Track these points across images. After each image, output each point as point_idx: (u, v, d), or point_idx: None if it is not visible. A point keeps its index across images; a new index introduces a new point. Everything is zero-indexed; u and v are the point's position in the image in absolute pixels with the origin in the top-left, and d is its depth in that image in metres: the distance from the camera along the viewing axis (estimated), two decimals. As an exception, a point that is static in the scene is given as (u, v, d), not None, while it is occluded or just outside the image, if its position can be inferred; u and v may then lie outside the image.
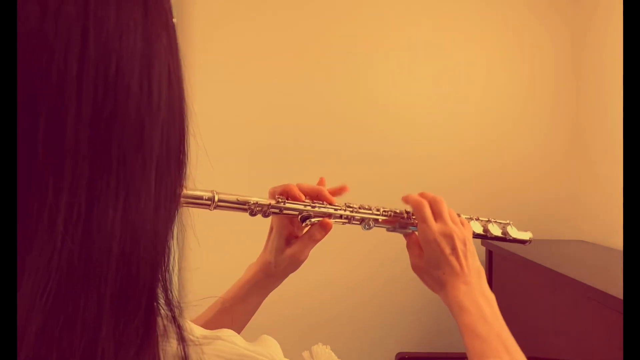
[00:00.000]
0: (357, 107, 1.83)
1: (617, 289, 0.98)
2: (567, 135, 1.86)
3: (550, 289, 1.23)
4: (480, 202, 1.84)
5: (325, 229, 0.67)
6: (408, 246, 0.71)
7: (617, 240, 1.56)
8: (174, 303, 0.35)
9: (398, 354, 1.47)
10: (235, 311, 0.68)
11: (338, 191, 0.71)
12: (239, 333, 0.70)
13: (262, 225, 0.72)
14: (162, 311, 0.34)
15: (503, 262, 1.52)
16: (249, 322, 0.71)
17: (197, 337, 0.36)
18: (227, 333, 0.39)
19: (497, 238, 0.76)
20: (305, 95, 1.83)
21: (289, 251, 0.67)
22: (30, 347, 0.27)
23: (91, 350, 0.28)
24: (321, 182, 0.71)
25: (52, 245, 0.27)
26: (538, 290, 1.30)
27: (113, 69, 0.28)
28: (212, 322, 0.67)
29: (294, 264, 0.68)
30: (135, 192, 0.30)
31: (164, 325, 0.34)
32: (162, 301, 0.34)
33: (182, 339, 0.34)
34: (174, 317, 0.34)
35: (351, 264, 1.81)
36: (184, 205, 0.56)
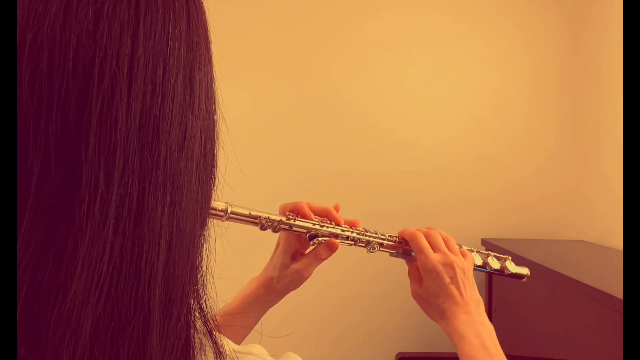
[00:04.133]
0: (357, 113, 1.84)
1: (617, 289, 0.98)
2: (567, 136, 1.86)
3: (550, 289, 1.23)
4: (480, 202, 1.84)
5: (331, 248, 0.68)
6: (409, 273, 0.72)
7: (617, 240, 1.56)
8: (208, 316, 0.35)
9: (398, 354, 1.47)
10: (235, 324, 0.69)
11: (350, 223, 0.71)
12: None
13: (265, 239, 0.73)
14: (197, 325, 0.35)
15: (503, 262, 1.52)
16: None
17: (230, 352, 0.37)
18: (258, 349, 0.40)
19: (496, 272, 0.78)
20: (304, 98, 1.83)
21: (294, 267, 0.69)
22: (86, 345, 0.27)
23: (139, 356, 0.29)
24: (336, 207, 0.71)
25: (105, 238, 0.28)
26: (538, 290, 1.30)
27: (160, 70, 0.30)
28: None
29: (297, 280, 0.69)
30: (179, 190, 0.31)
31: (200, 340, 0.34)
32: (196, 314, 0.35)
33: (219, 353, 0.35)
34: (210, 331, 0.35)
35: (351, 263, 1.81)
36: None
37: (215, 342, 0.35)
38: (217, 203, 0.58)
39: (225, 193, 0.59)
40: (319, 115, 1.83)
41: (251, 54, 1.80)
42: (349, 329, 1.83)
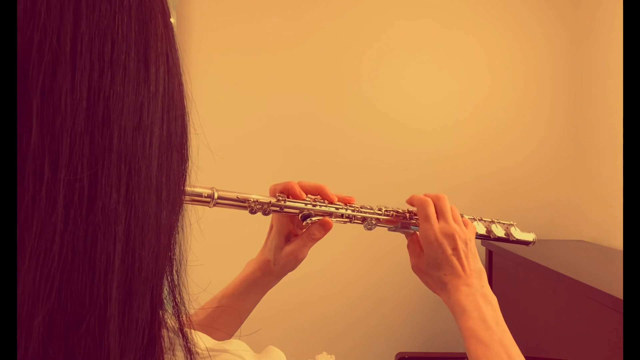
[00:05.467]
0: (355, 110, 1.83)
1: (617, 289, 0.98)
2: (567, 136, 1.86)
3: (550, 289, 1.23)
4: (480, 203, 1.84)
5: (325, 228, 0.66)
6: (409, 246, 0.71)
7: (617, 240, 1.56)
8: (181, 309, 0.34)
9: (398, 354, 1.47)
10: (233, 309, 0.68)
11: (343, 200, 0.69)
12: (236, 330, 0.69)
13: (263, 222, 0.72)
14: (167, 323, 0.33)
15: (503, 262, 1.52)
16: (250, 325, 0.71)
17: (203, 350, 0.35)
18: (235, 345, 0.38)
19: (500, 239, 0.75)
20: (303, 97, 1.83)
21: (288, 249, 0.67)
22: (38, 342, 0.26)
23: (96, 353, 0.27)
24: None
25: (53, 227, 0.26)
26: (538, 290, 1.30)
27: (108, 47, 0.28)
28: (210, 318, 0.67)
29: (293, 262, 0.68)
30: (137, 174, 0.29)
31: (170, 338, 0.33)
32: (168, 310, 0.33)
33: (189, 352, 0.33)
34: (181, 328, 0.34)
35: (351, 263, 1.81)
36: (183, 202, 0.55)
37: (185, 340, 0.34)
38: (203, 189, 0.56)
39: (213, 183, 0.58)
40: (321, 108, 1.83)
41: (259, 51, 1.80)
42: (349, 329, 1.83)
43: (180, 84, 0.34)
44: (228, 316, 0.67)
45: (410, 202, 0.71)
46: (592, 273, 1.24)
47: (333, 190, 0.68)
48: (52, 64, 0.26)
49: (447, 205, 0.67)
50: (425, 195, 0.69)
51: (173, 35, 0.34)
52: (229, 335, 0.67)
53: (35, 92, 0.26)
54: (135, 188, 0.29)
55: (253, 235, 0.95)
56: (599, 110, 1.72)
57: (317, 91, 1.83)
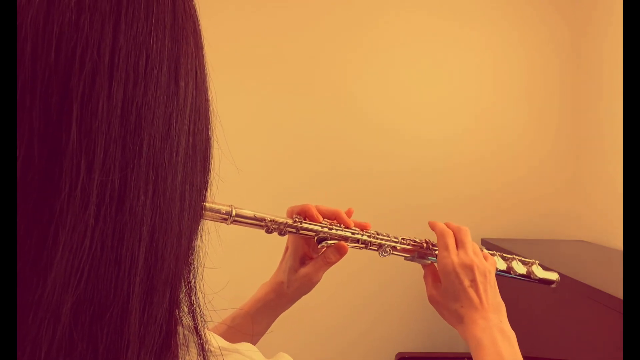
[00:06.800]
0: (352, 116, 1.83)
1: (617, 289, 0.98)
2: (567, 136, 1.86)
3: (551, 289, 1.23)
4: (481, 202, 1.84)
5: (340, 252, 0.66)
6: (425, 277, 0.70)
7: (617, 240, 1.56)
8: (197, 311, 0.36)
9: (398, 354, 1.47)
10: (245, 330, 0.67)
11: (360, 225, 0.69)
12: None
13: (264, 240, 0.71)
14: (184, 321, 0.35)
15: (503, 262, 1.52)
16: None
17: (216, 348, 0.37)
18: (246, 347, 0.40)
19: (521, 277, 0.73)
20: (304, 103, 1.83)
21: (303, 271, 0.67)
22: (65, 328, 0.28)
23: (117, 342, 0.29)
24: (349, 212, 0.69)
25: (85, 223, 0.28)
26: (538, 291, 1.30)
27: (143, 61, 0.31)
28: (223, 337, 0.67)
29: (307, 285, 0.68)
30: (163, 180, 0.32)
31: (184, 335, 0.35)
32: (184, 308, 0.35)
33: (202, 349, 0.35)
34: (196, 326, 0.35)
35: (351, 263, 1.81)
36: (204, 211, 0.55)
37: (199, 336, 0.35)
38: (221, 206, 0.57)
39: (232, 195, 0.58)
40: (323, 115, 1.83)
41: (259, 56, 1.80)
42: (349, 329, 1.83)
43: (207, 100, 0.37)
44: (241, 339, 0.67)
45: (432, 227, 0.70)
46: (592, 273, 1.24)
47: (332, 204, 0.68)
48: (91, 73, 0.29)
49: (468, 237, 0.67)
50: (446, 223, 0.69)
51: (203, 54, 0.36)
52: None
53: (76, 98, 0.28)
54: (161, 193, 0.32)
55: (267, 255, 0.95)
56: (601, 109, 1.72)
57: (311, 96, 1.83)
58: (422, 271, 0.71)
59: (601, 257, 1.47)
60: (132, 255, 0.30)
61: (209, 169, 0.37)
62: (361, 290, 1.84)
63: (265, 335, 0.70)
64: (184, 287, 0.35)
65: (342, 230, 0.66)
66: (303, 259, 0.68)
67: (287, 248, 0.70)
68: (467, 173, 1.85)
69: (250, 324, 0.68)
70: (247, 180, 1.75)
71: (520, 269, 0.73)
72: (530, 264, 0.74)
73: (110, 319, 0.29)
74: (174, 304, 0.33)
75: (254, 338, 0.68)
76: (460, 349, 1.75)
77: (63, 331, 0.28)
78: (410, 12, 1.84)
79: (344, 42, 1.84)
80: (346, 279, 1.82)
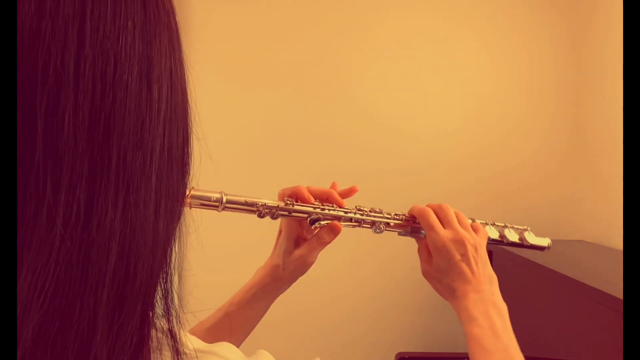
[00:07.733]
0: (353, 113, 1.83)
1: (617, 289, 0.98)
2: (567, 136, 1.86)
3: (550, 289, 1.23)
4: (481, 203, 1.84)
5: (334, 231, 0.66)
6: (419, 251, 0.70)
7: (617, 240, 1.56)
8: (173, 313, 0.35)
9: (398, 354, 1.47)
10: (241, 316, 0.67)
11: (347, 192, 0.69)
12: (245, 337, 0.69)
13: (271, 229, 0.71)
14: (157, 324, 0.34)
15: (503, 261, 1.52)
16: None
17: (191, 350, 0.36)
18: (223, 348, 0.39)
19: (513, 244, 0.73)
20: (304, 103, 1.83)
21: (297, 253, 0.67)
22: (27, 347, 0.27)
23: (84, 355, 0.28)
24: (333, 186, 0.69)
25: (51, 244, 0.27)
26: (538, 290, 1.30)
27: (111, 68, 0.29)
28: (217, 326, 0.66)
29: (302, 267, 0.67)
30: (135, 191, 0.30)
31: (158, 338, 0.34)
32: (158, 311, 0.34)
33: (176, 352, 0.34)
34: (170, 329, 0.34)
35: (351, 263, 1.81)
36: (193, 206, 0.55)
37: (174, 340, 0.34)
38: (211, 193, 0.57)
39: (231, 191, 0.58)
40: (324, 114, 1.83)
41: (260, 56, 1.80)
42: (349, 329, 1.83)
43: (185, 95, 0.34)
44: (237, 325, 0.67)
45: (411, 211, 0.70)
46: (593, 273, 1.24)
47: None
48: (56, 86, 0.27)
49: (451, 213, 0.66)
50: (427, 205, 0.69)
51: (179, 47, 0.34)
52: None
53: (40, 113, 0.26)
54: (133, 205, 0.30)
55: (258, 243, 0.94)
56: (601, 109, 1.72)
57: (312, 94, 1.83)
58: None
59: (601, 257, 1.47)
60: (99, 271, 0.29)
61: (187, 170, 0.35)
62: (361, 291, 1.84)
63: (265, 335, 0.70)
64: (159, 290, 0.34)
65: (334, 210, 0.65)
66: (297, 241, 0.68)
67: (280, 231, 0.70)
68: (468, 173, 1.85)
69: (246, 310, 0.67)
70: (249, 180, 1.75)
71: (513, 236, 0.74)
72: (522, 231, 0.75)
73: (76, 334, 0.28)
74: (147, 309, 0.32)
75: (251, 322, 0.69)
76: (460, 349, 1.75)
77: (25, 351, 0.27)
78: (412, 11, 1.84)
79: (345, 41, 1.84)
80: (346, 279, 1.82)
